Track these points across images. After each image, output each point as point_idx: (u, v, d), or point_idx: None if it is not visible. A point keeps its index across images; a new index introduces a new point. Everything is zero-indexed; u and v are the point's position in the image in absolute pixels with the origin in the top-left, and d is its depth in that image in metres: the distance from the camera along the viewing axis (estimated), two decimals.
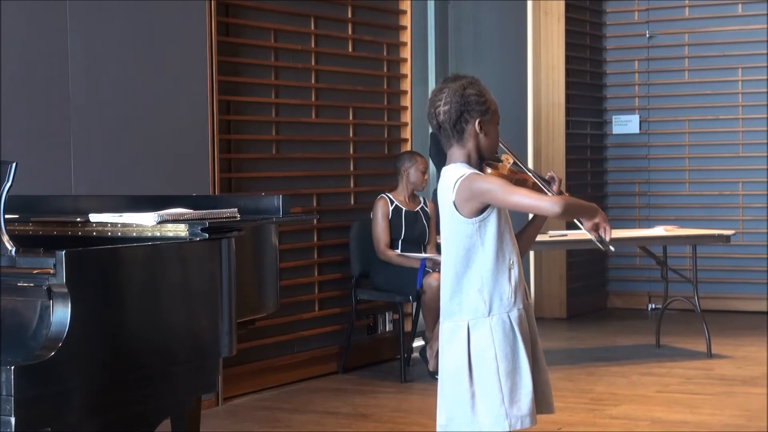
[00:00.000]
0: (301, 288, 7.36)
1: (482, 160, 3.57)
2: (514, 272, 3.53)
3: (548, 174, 3.68)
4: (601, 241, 3.53)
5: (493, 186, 3.46)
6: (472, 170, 3.52)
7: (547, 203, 3.44)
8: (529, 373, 3.50)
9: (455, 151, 3.57)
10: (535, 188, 3.60)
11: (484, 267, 3.51)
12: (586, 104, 10.52)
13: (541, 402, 3.61)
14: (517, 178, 3.59)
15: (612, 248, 3.56)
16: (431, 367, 7.21)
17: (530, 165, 9.95)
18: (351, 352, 7.60)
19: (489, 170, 3.55)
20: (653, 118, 10.60)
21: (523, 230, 3.73)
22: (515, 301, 3.52)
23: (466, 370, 3.51)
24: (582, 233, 7.85)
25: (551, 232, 7.51)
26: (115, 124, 6.03)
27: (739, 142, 10.28)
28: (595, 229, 3.51)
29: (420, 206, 7.61)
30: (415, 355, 7.76)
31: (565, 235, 7.46)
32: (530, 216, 3.75)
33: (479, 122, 3.52)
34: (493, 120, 3.56)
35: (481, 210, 3.50)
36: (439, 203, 3.59)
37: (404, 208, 7.52)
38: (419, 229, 7.55)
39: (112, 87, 6.01)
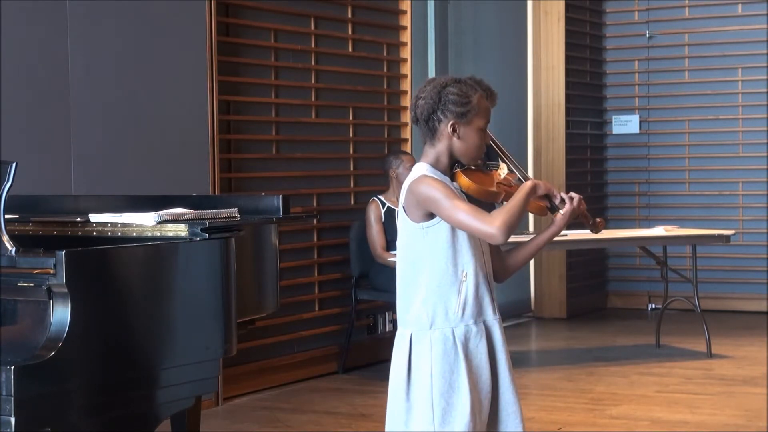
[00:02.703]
0: (301, 288, 7.35)
1: (458, 165, 3.32)
2: (467, 285, 3.27)
3: (568, 195, 3.33)
4: (552, 207, 3.27)
5: (437, 195, 3.20)
6: (425, 173, 3.27)
7: (487, 229, 3.15)
8: (469, 395, 3.24)
9: (426, 150, 3.33)
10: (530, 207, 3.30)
11: (430, 276, 3.27)
12: (586, 104, 10.51)
13: (502, 422, 3.36)
14: (503, 191, 3.29)
15: (561, 210, 3.27)
16: None
17: (530, 165, 9.97)
18: (351, 352, 7.60)
19: (464, 177, 3.27)
20: (653, 118, 10.59)
21: (525, 244, 3.44)
22: (463, 316, 3.27)
23: (405, 383, 3.30)
24: (583, 233, 7.84)
25: None
26: (115, 124, 6.03)
27: (739, 142, 10.28)
28: (548, 199, 3.26)
29: None
30: None
31: (565, 235, 7.46)
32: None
33: (453, 124, 3.25)
34: (474, 124, 3.27)
35: (430, 215, 3.25)
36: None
37: (397, 209, 7.52)
38: None
39: (112, 87, 6.01)
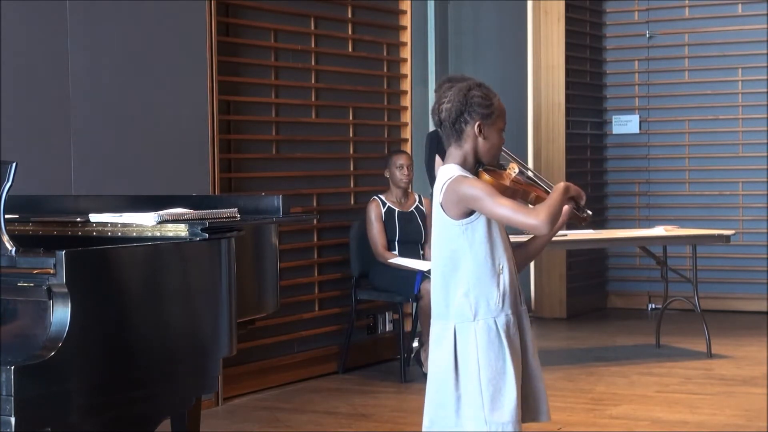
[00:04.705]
0: (301, 288, 7.36)
1: (479, 165, 3.51)
2: (504, 277, 3.46)
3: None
4: (578, 208, 3.51)
5: (479, 193, 3.38)
6: (461, 172, 3.45)
7: (533, 221, 3.35)
8: (515, 380, 3.43)
9: (452, 151, 3.51)
10: (538, 202, 3.50)
11: (471, 270, 3.44)
12: (586, 104, 10.51)
13: (533, 410, 3.55)
14: (520, 189, 3.50)
15: (589, 212, 3.56)
16: (426, 370, 7.20)
17: (530, 165, 9.97)
18: (351, 352, 7.60)
19: (486, 176, 3.46)
20: (653, 118, 10.59)
21: (527, 242, 3.65)
22: (503, 307, 3.45)
23: (452, 373, 3.46)
24: (583, 233, 7.85)
25: None
26: (115, 124, 6.03)
27: (739, 142, 10.28)
28: (571, 204, 3.49)
29: (415, 205, 7.60)
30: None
31: (566, 235, 7.47)
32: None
33: (479, 125, 3.45)
34: (496, 125, 3.48)
35: (469, 213, 3.43)
36: (433, 203, 3.55)
37: (397, 209, 7.52)
38: (414, 229, 7.54)
39: (112, 87, 6.01)
